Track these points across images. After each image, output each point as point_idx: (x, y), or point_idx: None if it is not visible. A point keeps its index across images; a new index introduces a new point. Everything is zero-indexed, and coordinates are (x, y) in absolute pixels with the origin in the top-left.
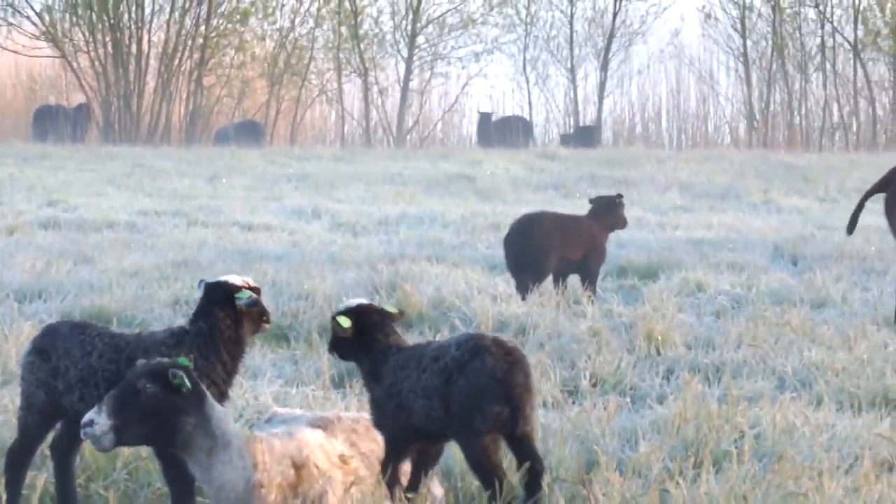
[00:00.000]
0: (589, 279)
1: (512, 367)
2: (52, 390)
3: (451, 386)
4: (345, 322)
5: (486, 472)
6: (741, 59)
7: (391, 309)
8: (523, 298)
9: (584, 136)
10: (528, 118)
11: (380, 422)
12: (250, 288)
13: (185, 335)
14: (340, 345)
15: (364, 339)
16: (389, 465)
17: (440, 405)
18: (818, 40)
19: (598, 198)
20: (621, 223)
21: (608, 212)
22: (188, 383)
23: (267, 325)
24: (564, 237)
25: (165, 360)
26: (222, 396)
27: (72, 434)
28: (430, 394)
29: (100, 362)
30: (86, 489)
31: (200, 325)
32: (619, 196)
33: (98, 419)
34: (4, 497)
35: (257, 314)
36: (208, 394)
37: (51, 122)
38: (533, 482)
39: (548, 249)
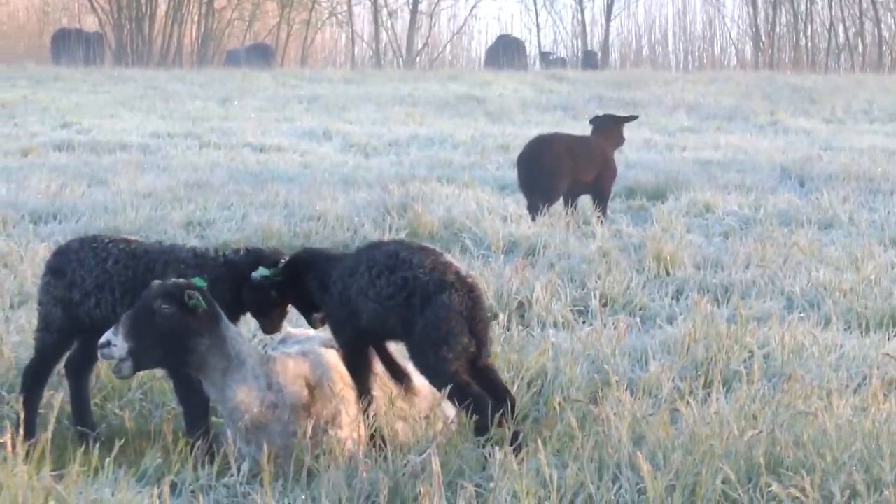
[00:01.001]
0: (600, 199)
1: (475, 303)
2: (69, 304)
3: (413, 310)
4: (263, 271)
5: (460, 393)
6: None
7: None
8: (533, 219)
9: (588, 60)
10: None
11: (336, 332)
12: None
13: (208, 261)
14: (296, 300)
15: (302, 280)
16: (354, 374)
17: (395, 317)
18: None
19: (603, 116)
20: (622, 140)
21: (614, 129)
22: (204, 304)
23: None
24: (576, 159)
25: (181, 280)
26: None
27: (85, 353)
28: (383, 301)
29: (115, 268)
30: (101, 409)
31: (222, 270)
32: (633, 117)
33: (115, 340)
34: (22, 416)
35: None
36: (223, 314)
37: (67, 45)
38: (502, 408)
39: (559, 172)
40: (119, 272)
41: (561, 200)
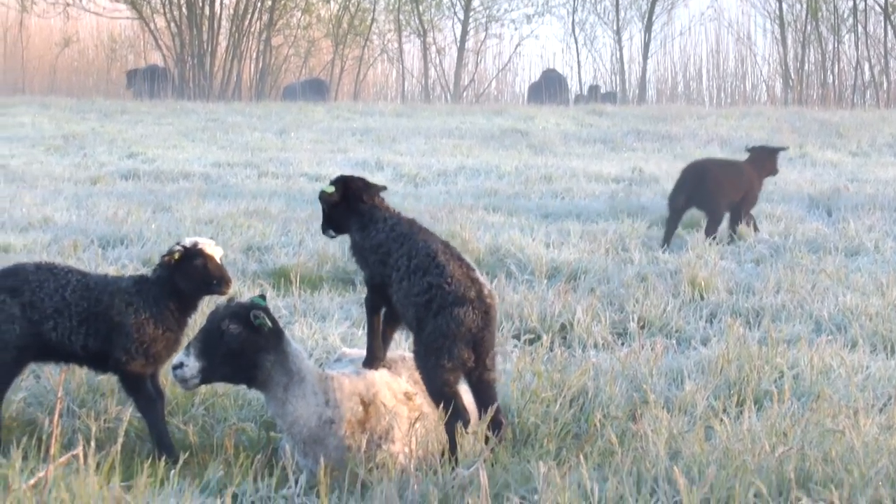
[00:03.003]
0: (735, 218)
1: (486, 323)
2: (28, 322)
3: (428, 313)
4: (329, 189)
5: (445, 399)
6: (777, 21)
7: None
8: (663, 246)
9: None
10: (564, 77)
11: (361, 265)
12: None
13: (144, 283)
14: (331, 217)
15: (351, 203)
16: (369, 315)
17: (413, 311)
18: (850, 3)
19: (759, 147)
20: (776, 171)
21: (767, 159)
22: (268, 322)
23: (222, 290)
24: (731, 182)
25: (246, 301)
26: (177, 342)
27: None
28: (408, 294)
29: (73, 297)
30: (167, 423)
31: (158, 275)
32: (784, 148)
33: (188, 361)
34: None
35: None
36: (286, 332)
37: (140, 81)
38: (495, 426)
39: (721, 195)
40: (76, 301)
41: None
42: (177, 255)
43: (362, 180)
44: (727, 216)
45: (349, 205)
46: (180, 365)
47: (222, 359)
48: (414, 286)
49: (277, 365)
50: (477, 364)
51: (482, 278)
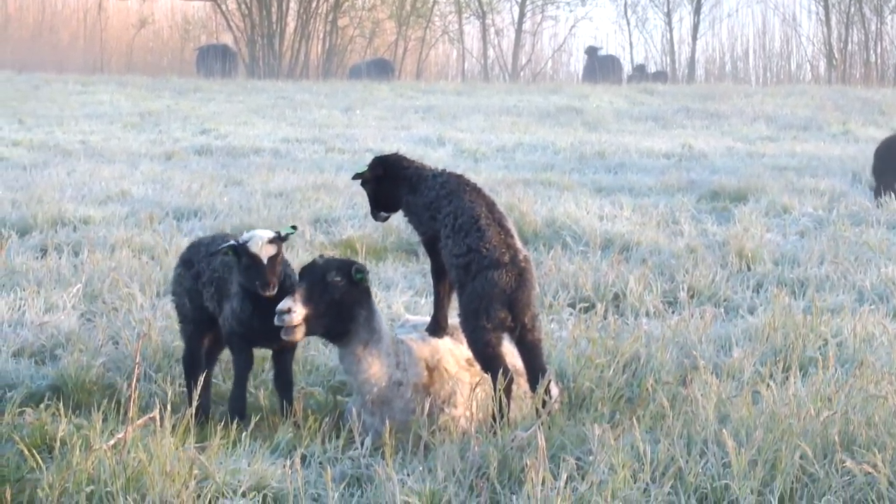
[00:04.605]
0: None
1: (520, 285)
2: (196, 296)
3: (468, 275)
4: (363, 170)
5: (488, 359)
6: (821, 2)
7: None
8: (877, 198)
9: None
10: (618, 58)
11: (415, 225)
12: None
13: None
14: (378, 196)
15: (396, 172)
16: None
17: (455, 272)
18: None
19: None
20: None
21: None
22: (368, 278)
23: (263, 292)
24: None
25: (343, 257)
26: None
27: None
28: (451, 253)
29: (221, 267)
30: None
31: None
32: None
33: (295, 307)
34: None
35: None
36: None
37: (209, 59)
38: (535, 382)
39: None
40: (214, 269)
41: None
42: (224, 252)
43: (396, 154)
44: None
45: (395, 175)
46: (288, 310)
47: (326, 308)
48: (456, 246)
49: (365, 321)
50: (516, 324)
51: (518, 244)
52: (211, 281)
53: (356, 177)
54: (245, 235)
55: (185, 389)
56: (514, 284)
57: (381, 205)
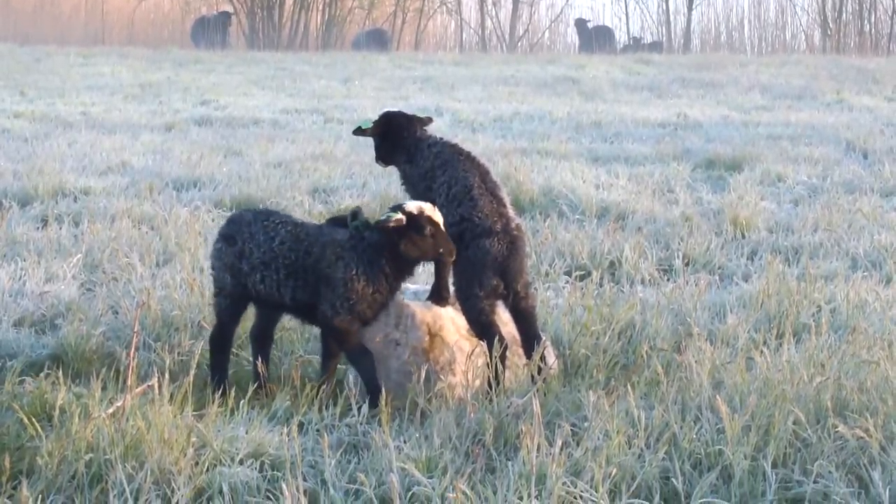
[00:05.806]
0: None
1: (511, 253)
2: (238, 273)
3: (462, 244)
4: (365, 124)
5: (483, 327)
6: None
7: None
8: None
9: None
10: (611, 28)
11: (411, 195)
12: (414, 218)
13: (360, 241)
14: (379, 149)
15: (394, 138)
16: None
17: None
18: None
19: None
20: None
21: None
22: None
23: (447, 259)
24: None
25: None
26: (382, 306)
27: (266, 325)
28: (444, 216)
29: (281, 248)
30: (236, 357)
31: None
32: None
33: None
34: (211, 376)
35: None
36: None
37: (204, 30)
38: (530, 350)
39: None
40: (284, 254)
41: None
42: (394, 223)
43: (404, 115)
44: None
45: (394, 140)
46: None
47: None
48: (449, 215)
49: None
50: (508, 291)
51: (511, 212)
52: (275, 263)
53: (357, 131)
54: (409, 204)
55: (182, 359)
56: (506, 252)
57: (381, 157)
